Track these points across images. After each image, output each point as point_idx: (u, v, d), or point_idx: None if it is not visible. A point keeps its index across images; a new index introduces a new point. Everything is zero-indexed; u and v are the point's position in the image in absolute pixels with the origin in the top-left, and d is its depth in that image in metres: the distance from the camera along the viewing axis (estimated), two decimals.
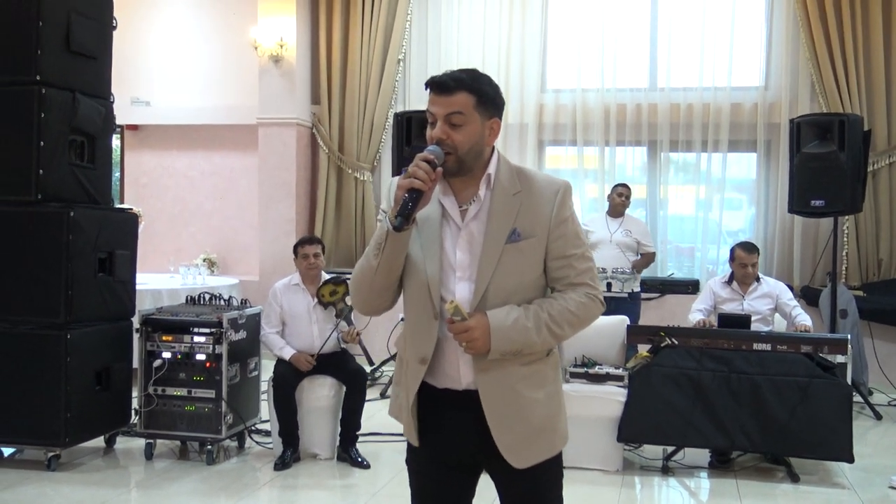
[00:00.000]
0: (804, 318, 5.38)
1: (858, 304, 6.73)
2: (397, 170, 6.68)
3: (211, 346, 4.90)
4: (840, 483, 4.75)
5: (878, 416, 6.24)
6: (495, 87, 2.14)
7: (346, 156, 8.36)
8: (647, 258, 6.99)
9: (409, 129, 6.77)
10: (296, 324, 5.11)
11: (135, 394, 5.11)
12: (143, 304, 5.76)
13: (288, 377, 4.96)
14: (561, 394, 2.25)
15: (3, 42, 4.64)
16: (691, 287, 7.59)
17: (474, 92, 2.08)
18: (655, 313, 7.45)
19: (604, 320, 4.99)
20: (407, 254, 2.13)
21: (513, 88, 7.97)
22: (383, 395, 6.64)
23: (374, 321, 6.65)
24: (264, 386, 5.34)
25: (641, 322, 6.64)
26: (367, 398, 5.11)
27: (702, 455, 5.04)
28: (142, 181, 9.03)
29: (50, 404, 4.65)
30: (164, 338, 4.94)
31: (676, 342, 4.95)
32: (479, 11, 8.16)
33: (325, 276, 5.21)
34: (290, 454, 4.89)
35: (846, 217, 7.12)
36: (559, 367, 2.28)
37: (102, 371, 4.91)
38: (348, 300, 5.01)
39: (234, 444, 5.24)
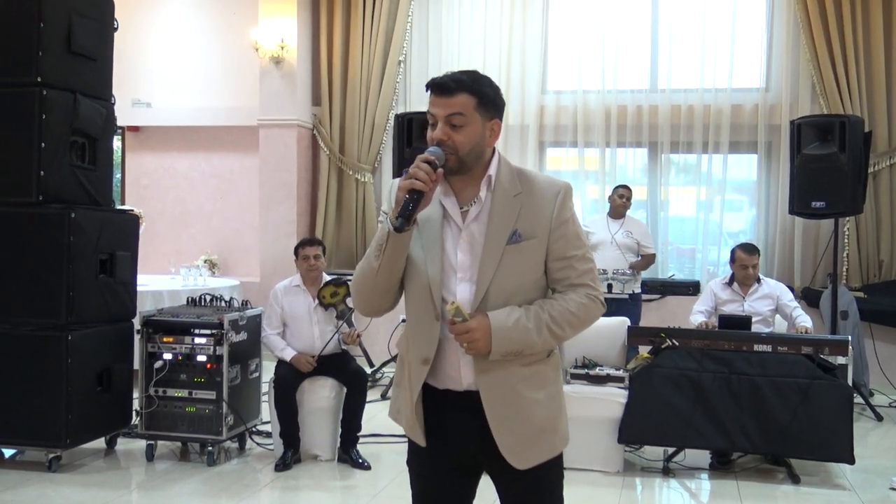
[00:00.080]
0: (805, 320, 5.38)
1: (859, 305, 6.72)
2: (398, 171, 6.68)
3: (212, 348, 4.90)
4: (841, 484, 4.75)
5: (879, 418, 6.24)
6: (496, 89, 2.14)
7: (347, 157, 8.36)
8: (647, 259, 6.99)
9: (410, 130, 6.79)
10: (296, 325, 5.11)
11: (136, 395, 5.12)
12: (144, 306, 5.77)
13: (289, 378, 4.96)
14: (562, 395, 2.25)
15: (4, 43, 4.64)
16: (692, 288, 7.60)
17: (475, 93, 2.08)
18: (656, 315, 7.45)
19: (604, 321, 5.00)
20: (408, 255, 2.13)
21: (513, 90, 7.98)
22: (384, 397, 6.64)
23: (374, 323, 6.65)
24: (265, 387, 5.35)
25: (642, 323, 6.65)
26: (367, 399, 5.11)
27: (702, 456, 5.04)
28: (143, 182, 9.04)
29: (51, 405, 4.65)
30: (164, 339, 4.94)
31: (677, 343, 4.95)
32: (480, 13, 8.17)
33: (326, 278, 5.21)
34: (290, 455, 4.89)
35: (847, 218, 7.12)
36: (560, 368, 2.28)
37: (103, 372, 4.92)
38: (349, 301, 5.01)
39: (235, 445, 5.24)
